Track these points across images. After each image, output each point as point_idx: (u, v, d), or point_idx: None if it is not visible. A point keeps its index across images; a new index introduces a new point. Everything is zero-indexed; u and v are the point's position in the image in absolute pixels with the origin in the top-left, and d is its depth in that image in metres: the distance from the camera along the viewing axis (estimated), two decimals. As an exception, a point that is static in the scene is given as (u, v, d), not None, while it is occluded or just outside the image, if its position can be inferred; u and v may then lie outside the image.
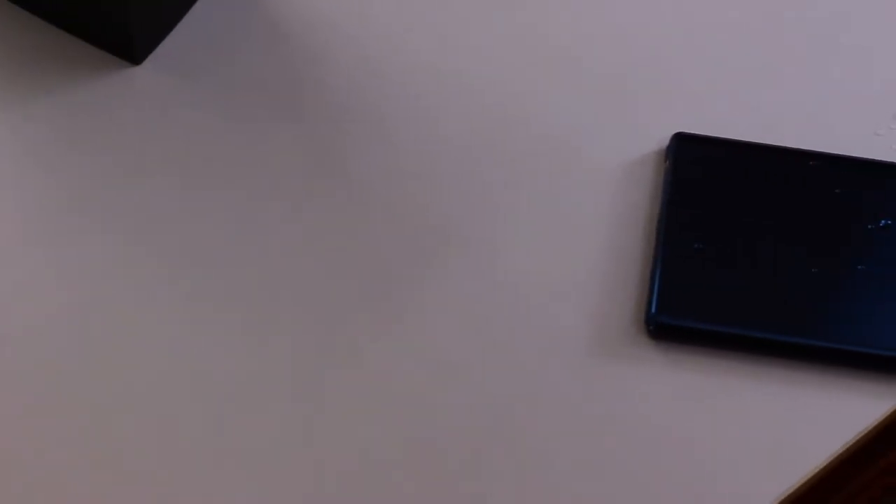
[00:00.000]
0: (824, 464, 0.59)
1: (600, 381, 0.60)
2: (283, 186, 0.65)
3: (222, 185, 0.65)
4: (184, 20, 0.69)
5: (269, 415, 0.60)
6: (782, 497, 0.59)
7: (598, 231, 0.64)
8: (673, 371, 0.61)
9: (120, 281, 0.62)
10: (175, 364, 0.61)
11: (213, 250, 0.63)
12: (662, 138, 0.65)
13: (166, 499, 0.58)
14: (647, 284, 0.62)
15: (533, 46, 0.69)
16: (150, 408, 0.60)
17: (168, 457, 0.59)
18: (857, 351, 0.60)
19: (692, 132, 0.65)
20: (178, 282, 0.62)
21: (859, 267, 0.62)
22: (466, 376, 0.61)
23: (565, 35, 0.69)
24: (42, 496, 0.58)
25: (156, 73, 0.68)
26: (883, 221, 0.63)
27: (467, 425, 0.60)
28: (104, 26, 0.67)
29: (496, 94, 0.67)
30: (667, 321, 0.61)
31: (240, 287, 0.62)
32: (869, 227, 0.63)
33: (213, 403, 0.60)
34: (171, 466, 0.59)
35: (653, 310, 0.61)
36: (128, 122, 0.66)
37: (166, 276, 0.62)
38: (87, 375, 0.60)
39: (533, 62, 0.68)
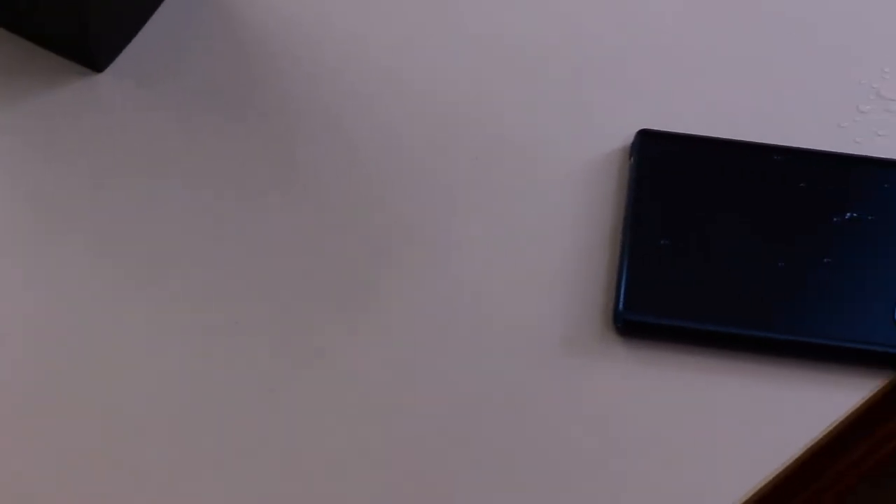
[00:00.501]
0: (796, 457, 0.59)
1: (569, 379, 0.60)
2: (246, 189, 0.65)
3: (186, 189, 0.65)
4: (145, 26, 0.69)
5: (232, 416, 0.59)
6: (754, 491, 0.59)
7: (564, 230, 0.63)
8: (642, 367, 0.61)
9: (86, 286, 0.62)
10: (141, 367, 0.60)
11: (176, 254, 0.63)
12: (626, 135, 0.65)
13: (135, 501, 0.58)
14: (614, 282, 0.62)
15: (493, 46, 0.69)
16: (118, 411, 0.59)
17: (136, 459, 0.58)
18: (826, 344, 0.60)
19: (656, 129, 0.65)
20: (143, 286, 0.62)
21: (826, 260, 0.62)
22: (433, 377, 0.60)
23: (526, 34, 0.69)
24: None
25: (118, 79, 0.67)
26: (849, 214, 0.63)
27: (434, 426, 0.59)
28: (65, 34, 0.66)
29: (457, 95, 0.67)
30: (634, 318, 0.60)
31: (203, 289, 0.62)
32: (835, 219, 0.63)
33: (178, 405, 0.60)
34: (140, 469, 0.58)
35: (620, 307, 0.61)
36: (92, 129, 0.66)
37: (132, 280, 0.62)
38: (54, 382, 0.60)
39: (494, 61, 0.68)
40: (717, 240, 0.62)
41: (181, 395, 0.60)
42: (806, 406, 0.60)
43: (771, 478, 0.59)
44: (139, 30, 0.69)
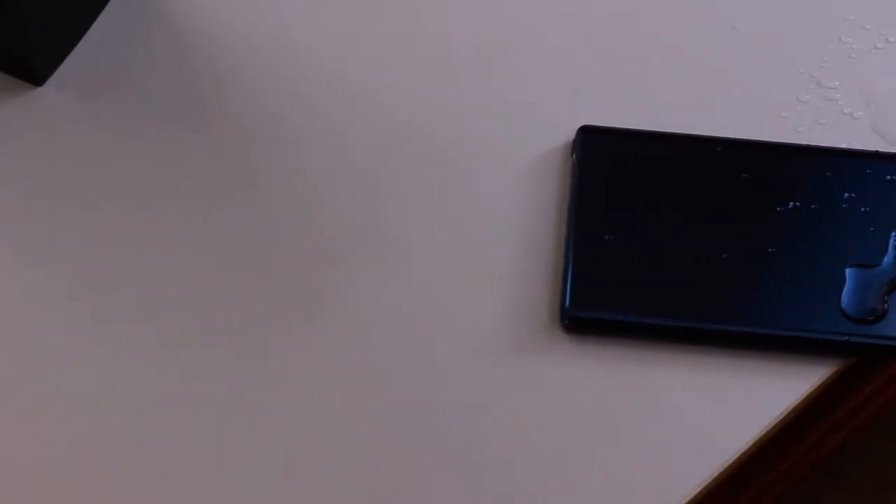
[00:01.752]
0: (747, 448, 0.59)
1: (518, 377, 0.60)
2: (191, 199, 0.64)
3: (130, 202, 0.64)
4: (84, 38, 0.68)
5: (185, 427, 0.59)
6: (707, 482, 0.59)
7: (509, 229, 0.63)
8: (591, 363, 0.61)
9: (30, 300, 0.62)
10: (88, 379, 0.60)
11: (123, 267, 0.63)
12: (569, 132, 0.65)
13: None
14: (560, 279, 0.62)
15: (435, 46, 0.68)
16: (62, 431, 0.59)
17: (84, 472, 0.58)
18: (774, 334, 0.60)
19: (597, 124, 0.65)
20: (89, 297, 0.62)
21: (770, 250, 0.62)
22: (384, 379, 0.60)
23: (468, 33, 0.69)
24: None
25: (58, 93, 0.67)
26: (792, 203, 0.63)
27: (387, 428, 0.59)
28: (3, 48, 0.66)
29: (399, 98, 0.67)
30: (581, 314, 0.61)
31: (150, 300, 0.62)
32: (778, 209, 0.63)
33: (128, 415, 0.59)
34: (88, 483, 0.58)
35: (566, 304, 0.61)
36: (32, 144, 0.66)
37: (77, 293, 0.62)
38: (2, 398, 0.60)
39: (436, 61, 0.68)
40: (662, 233, 0.62)
41: (130, 406, 0.60)
42: (756, 396, 0.60)
43: (723, 469, 0.59)
44: (78, 41, 0.68)
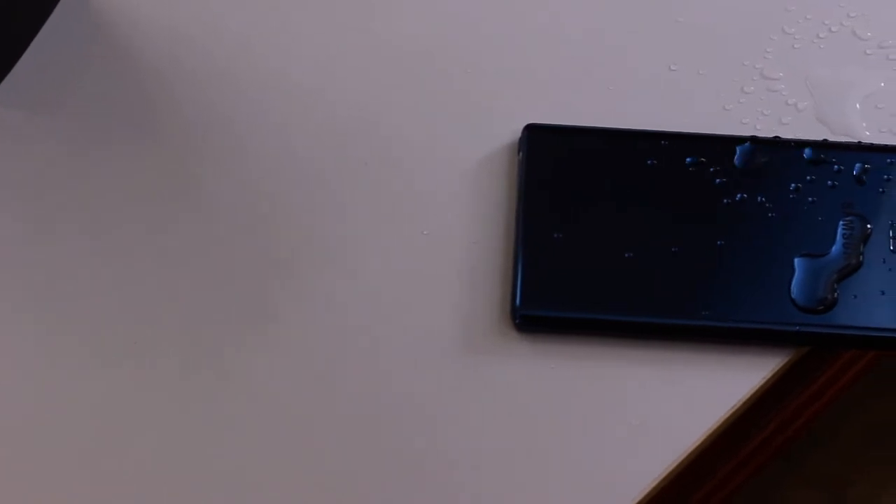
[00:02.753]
0: (703, 439, 0.60)
1: (472, 378, 0.60)
2: (140, 207, 0.64)
3: (80, 214, 0.64)
4: (27, 52, 0.68)
5: (134, 435, 0.59)
6: (663, 476, 0.59)
7: (459, 229, 0.63)
8: (543, 362, 0.61)
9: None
10: (36, 397, 0.60)
11: (73, 280, 0.62)
12: (515, 131, 0.65)
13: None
14: (511, 278, 0.62)
15: (380, 47, 0.68)
16: (9, 443, 0.59)
17: (31, 490, 0.58)
18: (724, 326, 0.61)
19: (543, 122, 0.65)
20: (38, 314, 0.62)
21: (718, 242, 0.62)
22: (337, 384, 0.60)
23: (411, 34, 0.69)
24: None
25: (2, 108, 0.67)
26: (739, 195, 0.63)
27: (342, 433, 0.59)
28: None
29: (344, 100, 0.67)
30: (532, 313, 0.61)
31: (99, 311, 0.62)
32: (725, 201, 0.63)
33: (79, 428, 0.59)
34: (40, 496, 0.58)
35: (518, 303, 0.61)
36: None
37: (25, 309, 0.62)
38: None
39: (381, 62, 0.68)
40: (610, 229, 0.62)
41: (81, 418, 0.59)
42: (711, 389, 0.60)
43: (680, 462, 0.59)
44: (21, 56, 0.68)
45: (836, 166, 0.64)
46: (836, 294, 0.61)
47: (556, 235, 0.62)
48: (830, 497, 1.11)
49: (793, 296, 0.61)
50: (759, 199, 0.63)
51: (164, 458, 0.59)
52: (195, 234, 0.63)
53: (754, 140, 0.65)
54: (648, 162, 0.64)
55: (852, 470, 1.12)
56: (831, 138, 0.65)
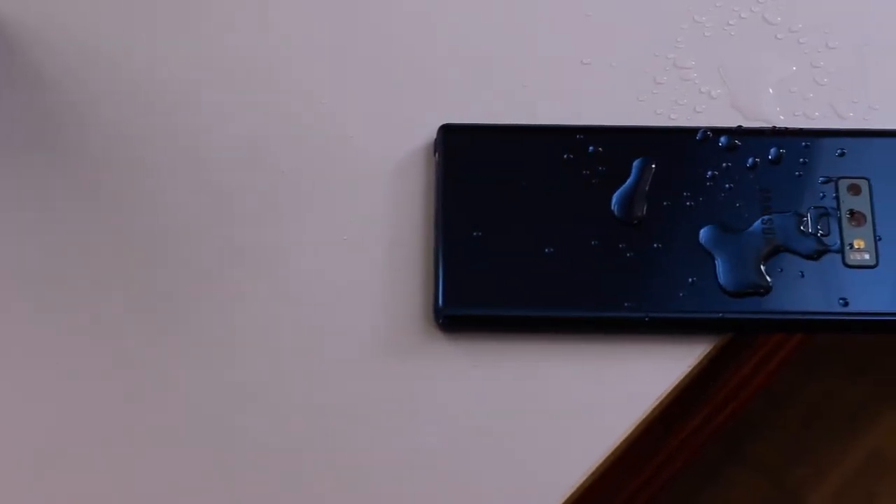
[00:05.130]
0: (634, 429, 0.60)
1: (397, 380, 0.60)
2: (56, 226, 0.64)
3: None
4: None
5: (57, 442, 0.59)
6: (592, 470, 0.59)
7: (378, 232, 0.63)
8: (469, 361, 0.61)
9: None
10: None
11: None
12: (430, 132, 0.65)
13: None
14: (432, 279, 0.62)
15: (291, 53, 0.68)
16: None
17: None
18: (645, 317, 0.61)
19: (458, 122, 0.65)
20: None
21: (637, 233, 0.62)
22: (260, 390, 0.60)
23: (323, 38, 0.68)
24: None
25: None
26: (657, 186, 0.63)
27: (266, 438, 0.59)
28: None
29: (258, 111, 0.66)
30: (455, 312, 0.61)
31: (16, 330, 0.61)
32: (643, 192, 0.63)
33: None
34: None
35: (440, 303, 0.61)
36: None
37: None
38: None
39: (290, 73, 0.67)
40: (530, 225, 0.62)
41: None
42: (639, 379, 0.61)
43: (611, 453, 0.59)
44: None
45: (751, 152, 0.64)
46: (757, 279, 0.61)
47: (475, 234, 0.62)
48: (772, 481, 1.12)
49: (715, 283, 0.61)
50: (676, 188, 0.63)
51: (76, 467, 0.59)
52: (112, 250, 0.63)
53: (669, 129, 0.65)
54: (565, 156, 0.64)
55: (793, 452, 1.13)
56: (746, 124, 0.65)
